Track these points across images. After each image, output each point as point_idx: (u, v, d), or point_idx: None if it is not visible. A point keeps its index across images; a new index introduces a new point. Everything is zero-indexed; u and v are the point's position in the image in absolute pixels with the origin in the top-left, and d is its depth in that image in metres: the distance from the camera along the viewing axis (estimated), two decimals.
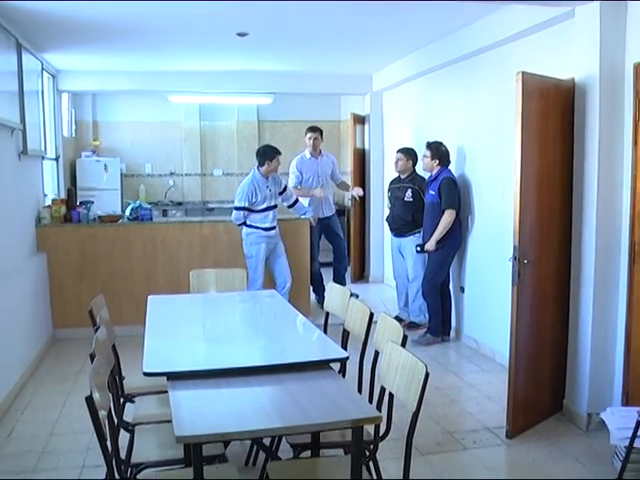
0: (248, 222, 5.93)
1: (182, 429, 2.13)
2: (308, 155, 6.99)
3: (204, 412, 2.35)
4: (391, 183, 6.36)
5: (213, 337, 3.48)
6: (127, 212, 6.35)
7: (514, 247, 3.69)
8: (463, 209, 5.63)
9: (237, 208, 5.91)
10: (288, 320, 3.73)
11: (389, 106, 8.11)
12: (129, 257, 6.08)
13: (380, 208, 8.11)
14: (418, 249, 5.75)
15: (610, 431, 3.27)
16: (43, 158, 6.43)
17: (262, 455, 3.28)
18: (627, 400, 3.73)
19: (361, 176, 8.47)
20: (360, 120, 8.59)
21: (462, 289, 5.87)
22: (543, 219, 3.90)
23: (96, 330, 2.98)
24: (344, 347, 3.29)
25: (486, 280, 5.40)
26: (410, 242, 5.97)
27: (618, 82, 3.69)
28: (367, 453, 2.73)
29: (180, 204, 9.42)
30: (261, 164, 5.93)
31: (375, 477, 2.72)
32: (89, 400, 2.13)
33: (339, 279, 6.87)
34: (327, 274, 7.01)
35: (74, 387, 4.64)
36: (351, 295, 3.66)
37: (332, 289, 3.95)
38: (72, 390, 4.59)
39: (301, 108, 9.53)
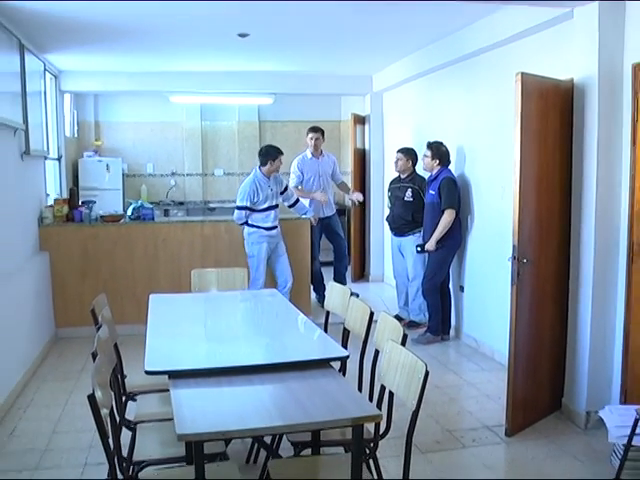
0: (250, 222, 5.95)
1: (183, 427, 2.13)
2: (309, 155, 7.01)
3: (205, 410, 2.36)
4: (391, 183, 6.38)
5: (214, 336, 3.49)
6: (129, 212, 6.37)
7: (513, 246, 3.71)
8: (463, 209, 5.65)
9: (239, 207, 5.93)
10: (289, 319, 3.74)
11: (389, 106, 8.12)
12: (131, 256, 6.10)
13: (380, 208, 8.13)
14: (418, 249, 5.77)
15: (608, 429, 3.27)
16: (45, 158, 6.46)
17: (263, 453, 3.29)
18: (625, 398, 3.75)
19: (361, 176, 8.50)
20: (360, 120, 8.61)
21: (462, 288, 5.89)
22: (542, 219, 3.91)
23: (98, 329, 2.99)
24: (344, 346, 3.30)
25: (485, 279, 5.42)
26: (410, 241, 5.99)
27: (617, 82, 3.70)
28: (367, 451, 2.75)
29: (181, 204, 9.43)
30: (263, 164, 5.95)
31: (375, 475, 2.73)
32: (91, 398, 2.14)
33: (339, 278, 6.88)
34: (327, 273, 7.02)
35: (76, 385, 4.66)
36: (351, 294, 3.67)
37: (332, 288, 3.96)
38: (74, 388, 4.61)
39: (302, 108, 9.55)
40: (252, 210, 5.91)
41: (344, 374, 3.01)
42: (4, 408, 4.15)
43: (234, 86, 7.76)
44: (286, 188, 6.28)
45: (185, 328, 3.53)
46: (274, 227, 6.02)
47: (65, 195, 7.00)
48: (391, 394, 2.65)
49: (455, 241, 5.64)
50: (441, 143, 5.67)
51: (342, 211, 8.62)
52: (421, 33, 5.62)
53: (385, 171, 8.15)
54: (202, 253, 6.21)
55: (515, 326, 3.75)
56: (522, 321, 3.79)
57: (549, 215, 3.95)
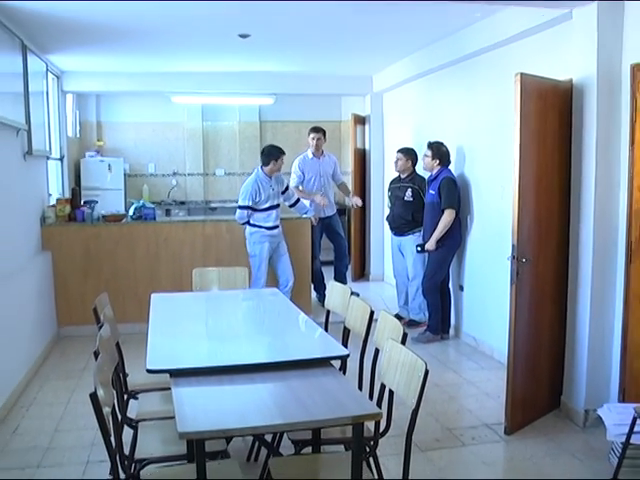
0: (251, 221, 5.97)
1: (185, 425, 2.14)
2: (310, 155, 7.02)
3: (207, 409, 2.37)
4: (391, 183, 6.40)
5: (215, 335, 3.50)
6: (131, 211, 6.39)
7: (513, 246, 3.73)
8: (463, 209, 5.66)
9: (241, 207, 5.95)
10: (290, 318, 3.75)
11: (389, 107, 8.14)
12: (133, 256, 6.12)
13: (380, 207, 8.15)
14: (418, 249, 5.78)
15: (607, 427, 3.30)
16: (48, 158, 6.47)
17: (264, 451, 3.29)
18: (623, 397, 3.77)
19: (361, 176, 8.52)
20: (360, 120, 8.62)
21: (461, 287, 5.91)
22: (541, 218, 3.93)
23: (100, 328, 3.01)
24: (345, 345, 3.32)
25: (485, 278, 5.44)
26: (410, 241, 6.01)
27: (615, 83, 3.72)
28: (367, 449, 2.76)
29: (183, 203, 9.46)
30: (265, 163, 5.97)
31: (375, 473, 2.74)
32: (93, 397, 2.15)
33: (340, 278, 6.91)
34: (328, 273, 7.04)
35: (79, 384, 4.68)
36: (352, 294, 3.69)
37: (333, 287, 3.97)
38: (77, 387, 4.63)
39: (302, 109, 9.57)
40: (254, 210, 5.93)
41: (344, 373, 3.02)
42: (7, 406, 4.17)
43: (235, 86, 7.78)
44: (287, 188, 6.30)
45: (186, 327, 3.54)
46: (275, 227, 6.04)
47: (67, 195, 7.02)
48: (391, 392, 2.66)
49: (455, 241, 5.66)
50: (441, 143, 5.68)
51: (342, 211, 8.64)
52: (421, 34, 5.64)
53: (385, 171, 8.17)
54: (203, 252, 6.23)
55: (514, 325, 3.76)
56: (521, 320, 3.80)
57: (548, 215, 3.97)
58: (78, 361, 5.19)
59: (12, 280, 4.62)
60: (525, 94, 3.64)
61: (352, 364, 3.12)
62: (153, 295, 4.05)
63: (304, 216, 6.50)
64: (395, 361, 2.63)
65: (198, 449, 2.19)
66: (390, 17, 4.87)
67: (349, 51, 6.43)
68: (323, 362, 2.81)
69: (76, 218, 6.08)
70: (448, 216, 5.48)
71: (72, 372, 4.96)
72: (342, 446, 2.99)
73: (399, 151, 6.17)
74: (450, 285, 5.92)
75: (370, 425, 2.78)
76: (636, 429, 3.07)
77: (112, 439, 2.29)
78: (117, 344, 3.30)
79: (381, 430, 2.78)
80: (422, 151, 5.83)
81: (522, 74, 3.63)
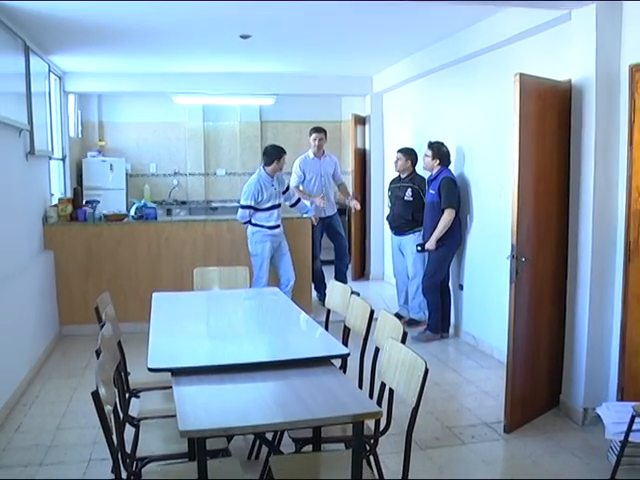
0: (253, 221, 5.99)
1: (186, 424, 2.15)
2: (311, 155, 7.04)
3: (208, 407, 2.38)
4: (391, 182, 6.42)
5: (216, 333, 3.52)
6: (132, 211, 6.41)
7: (512, 245, 3.74)
8: (462, 208, 5.68)
9: (243, 206, 5.97)
10: (290, 317, 3.77)
11: (389, 107, 8.16)
12: (134, 255, 6.15)
13: (380, 207, 8.18)
14: (419, 248, 5.80)
15: (605, 426, 3.31)
16: (50, 158, 6.50)
17: (265, 449, 3.31)
18: (622, 396, 3.78)
19: (362, 176, 8.54)
20: (361, 121, 8.64)
21: (461, 287, 5.93)
22: (540, 218, 3.95)
23: (102, 327, 3.02)
24: (345, 344, 3.33)
25: (484, 278, 5.46)
26: (410, 240, 6.03)
27: (614, 83, 3.73)
28: (367, 447, 2.77)
29: (184, 203, 9.48)
30: (268, 163, 5.99)
31: (375, 471, 2.75)
32: (95, 395, 2.16)
33: (341, 277, 6.93)
34: (329, 272, 7.06)
35: (80, 382, 4.70)
36: (352, 293, 3.70)
37: (333, 287, 3.98)
38: (79, 385, 4.65)
39: (303, 109, 9.59)
40: (256, 209, 5.95)
41: (345, 371, 3.03)
42: (10, 404, 4.19)
43: (236, 87, 7.79)
44: (288, 188, 6.32)
45: (188, 326, 3.55)
46: (277, 226, 6.06)
47: (69, 195, 7.05)
48: (391, 391, 2.67)
49: (455, 240, 5.68)
50: (442, 144, 5.70)
51: (343, 210, 8.66)
52: (421, 34, 5.66)
53: (385, 171, 8.19)
54: (204, 252, 6.25)
55: (514, 324, 3.78)
56: (520, 319, 3.82)
57: (547, 214, 3.99)
58: (80, 360, 5.21)
59: (14, 279, 4.64)
60: (524, 94, 3.65)
61: (352, 363, 3.13)
62: (154, 294, 4.06)
63: (305, 216, 6.52)
64: (395, 360, 2.64)
65: (199, 447, 2.19)
66: (390, 17, 4.88)
67: (349, 52, 6.44)
68: (324, 361, 2.82)
69: (78, 218, 6.10)
70: (448, 216, 5.49)
71: (74, 371, 4.98)
72: (342, 444, 3.00)
73: (399, 151, 6.19)
74: (450, 284, 5.93)
75: (370, 423, 2.79)
76: (634, 427, 3.08)
77: (114, 437, 2.30)
78: (119, 343, 3.31)
79: (381, 428, 2.79)
80: (422, 151, 5.85)
81: (521, 74, 3.65)
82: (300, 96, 8.92)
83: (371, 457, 2.79)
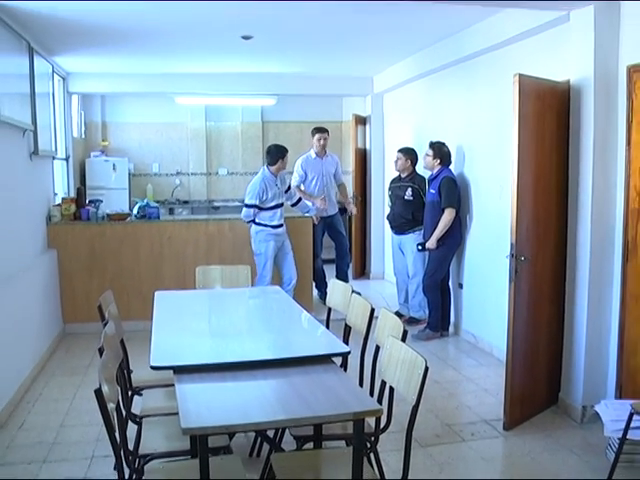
0: (257, 220, 6.01)
1: (188, 421, 2.16)
2: (313, 155, 7.05)
3: (209, 405, 2.39)
4: (392, 182, 6.44)
5: (218, 332, 3.53)
6: (135, 210, 6.43)
7: (511, 244, 3.76)
8: (462, 208, 5.70)
9: (248, 205, 6.00)
10: (292, 315, 3.79)
11: (390, 107, 8.18)
12: (137, 254, 6.18)
13: (381, 206, 8.21)
14: (419, 247, 5.83)
15: (604, 423, 3.33)
16: (54, 158, 6.54)
17: (266, 447, 3.30)
18: (620, 393, 3.80)
19: (362, 175, 8.58)
20: (361, 121, 8.67)
21: (460, 285, 5.95)
22: (539, 217, 3.97)
23: (105, 325, 3.04)
24: (346, 342, 3.34)
25: (484, 277, 5.48)
26: (410, 239, 6.06)
27: (612, 84, 3.75)
28: (368, 445, 2.78)
29: (186, 203, 9.51)
30: (272, 163, 6.02)
31: (376, 468, 2.76)
32: (98, 393, 2.18)
33: (342, 276, 6.94)
34: (330, 271, 7.07)
35: (84, 380, 4.73)
36: (352, 292, 3.72)
37: (334, 285, 3.99)
38: (82, 383, 4.68)
39: (304, 109, 9.62)
40: (260, 208, 5.98)
41: (345, 369, 3.04)
42: (13, 402, 4.22)
43: (238, 87, 7.82)
44: (289, 187, 6.36)
45: (190, 324, 3.56)
46: (280, 225, 6.08)
47: (73, 194, 7.08)
48: (391, 389, 2.69)
49: (455, 239, 5.70)
50: (443, 144, 5.71)
51: (344, 210, 8.68)
52: (421, 35, 5.67)
53: (385, 171, 8.21)
54: (206, 251, 6.28)
55: (513, 322, 3.80)
56: (520, 317, 3.84)
57: (546, 214, 4.01)
58: (83, 358, 5.23)
59: (18, 278, 4.67)
60: (523, 95, 3.67)
61: (353, 361, 3.14)
62: (157, 293, 4.08)
63: (306, 215, 6.55)
64: (395, 358, 2.65)
65: (201, 445, 2.20)
66: (390, 18, 4.90)
67: (350, 52, 6.46)
68: (324, 359, 2.83)
69: (81, 217, 6.13)
70: (448, 215, 5.52)
71: (77, 369, 5.01)
72: (343, 442, 3.01)
73: (399, 151, 6.21)
74: (450, 283, 5.96)
75: (371, 421, 2.80)
76: (633, 425, 3.09)
77: (116, 435, 2.30)
78: (121, 341, 3.33)
79: (382, 426, 2.80)
80: (422, 151, 5.88)
81: (520, 75, 3.67)
82: (301, 96, 8.96)
83: (372, 454, 2.80)
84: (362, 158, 8.64)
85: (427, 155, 5.75)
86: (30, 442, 3.73)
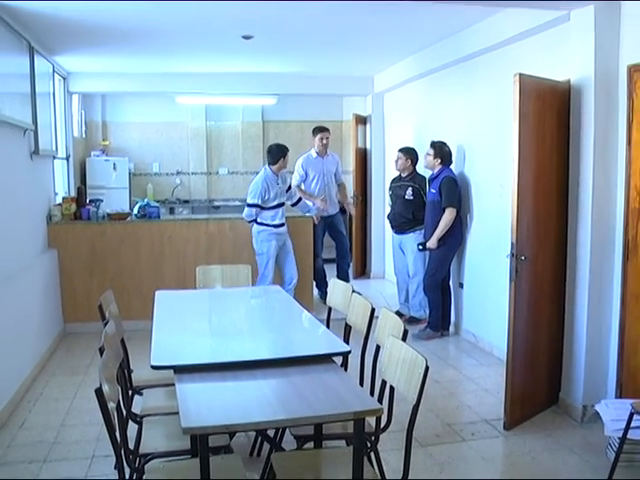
0: (259, 219, 6.02)
1: (189, 421, 2.16)
2: (314, 155, 7.05)
3: (210, 404, 2.39)
4: (392, 182, 6.44)
5: (219, 331, 3.53)
6: (135, 210, 6.44)
7: (512, 244, 3.76)
8: (463, 207, 5.70)
9: (250, 205, 6.00)
10: (292, 315, 3.79)
11: (390, 107, 8.18)
12: (137, 253, 6.18)
13: (381, 206, 8.21)
14: (420, 247, 5.83)
15: (604, 423, 3.33)
16: (54, 158, 6.54)
17: (266, 446, 3.30)
18: (621, 393, 3.81)
19: (363, 175, 8.58)
20: (362, 120, 8.67)
21: (461, 285, 5.95)
22: (540, 217, 3.97)
23: (105, 324, 3.04)
24: (346, 341, 3.35)
25: (485, 276, 5.48)
26: (410, 239, 6.06)
27: (612, 84, 3.75)
28: (368, 444, 2.78)
29: (187, 202, 9.52)
30: (274, 162, 6.03)
31: (376, 468, 2.76)
32: (99, 392, 2.18)
33: (342, 275, 6.95)
34: (330, 270, 7.08)
35: (84, 380, 4.73)
36: (353, 291, 3.73)
37: (335, 285, 3.99)
38: (82, 382, 4.68)
39: (304, 109, 9.64)
40: (262, 208, 5.98)
41: (346, 369, 3.05)
42: (14, 401, 4.22)
43: (238, 87, 7.83)
44: (289, 187, 6.36)
45: (190, 324, 3.57)
46: (282, 224, 6.09)
47: (73, 194, 7.09)
48: (392, 389, 2.69)
49: (456, 239, 5.70)
50: (444, 143, 5.71)
51: (344, 209, 8.70)
52: (421, 34, 5.68)
53: (386, 170, 8.21)
54: (207, 250, 6.29)
55: (513, 322, 3.80)
56: (520, 317, 3.84)
57: (546, 213, 4.01)
58: (84, 357, 5.23)
59: (19, 277, 4.67)
60: (524, 94, 3.67)
61: (353, 360, 3.14)
62: (157, 292, 4.08)
63: (307, 214, 6.55)
64: (396, 358, 2.65)
65: (201, 444, 2.20)
66: (391, 18, 4.90)
67: (351, 52, 6.47)
68: (325, 358, 2.83)
69: (82, 216, 6.13)
70: (449, 215, 5.52)
71: (78, 368, 5.01)
72: (344, 441, 3.01)
73: (399, 150, 6.22)
74: (450, 283, 5.96)
75: (371, 421, 2.79)
76: (633, 424, 3.09)
77: (117, 434, 2.31)
78: (122, 341, 3.33)
79: (382, 425, 2.80)
80: (423, 151, 5.88)
81: (521, 74, 3.67)
82: (302, 96, 8.96)
83: (372, 454, 2.80)
84: (362, 158, 8.64)
85: (428, 155, 5.75)
86: (31, 441, 3.73)
